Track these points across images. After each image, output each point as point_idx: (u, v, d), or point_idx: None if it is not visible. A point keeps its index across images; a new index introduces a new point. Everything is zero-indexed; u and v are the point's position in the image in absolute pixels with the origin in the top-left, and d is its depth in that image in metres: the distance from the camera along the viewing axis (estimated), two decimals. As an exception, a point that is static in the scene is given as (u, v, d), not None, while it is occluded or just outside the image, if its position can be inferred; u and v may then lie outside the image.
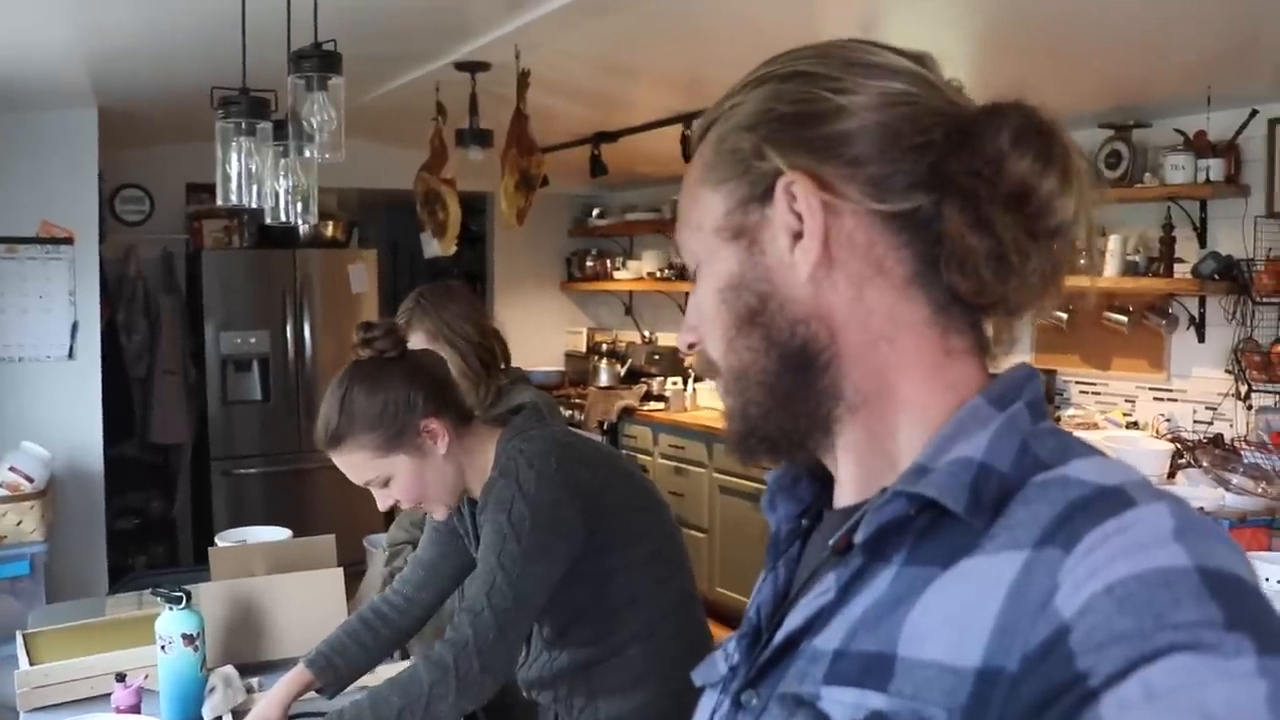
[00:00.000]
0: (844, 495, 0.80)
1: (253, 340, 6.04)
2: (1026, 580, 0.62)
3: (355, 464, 1.86)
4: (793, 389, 0.77)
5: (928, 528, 0.70)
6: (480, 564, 1.81)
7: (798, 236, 0.74)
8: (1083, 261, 0.76)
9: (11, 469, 4.07)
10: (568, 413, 6.19)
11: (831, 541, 0.76)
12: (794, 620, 0.74)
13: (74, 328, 4.73)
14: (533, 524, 1.78)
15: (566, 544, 1.83)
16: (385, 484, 1.87)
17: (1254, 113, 3.88)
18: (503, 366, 2.59)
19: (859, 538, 0.71)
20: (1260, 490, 3.44)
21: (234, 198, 2.50)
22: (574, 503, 1.83)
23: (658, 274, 6.70)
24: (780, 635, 0.75)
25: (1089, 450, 0.71)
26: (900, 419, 0.75)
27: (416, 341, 2.43)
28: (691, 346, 0.84)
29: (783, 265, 0.75)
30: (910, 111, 0.74)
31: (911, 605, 0.67)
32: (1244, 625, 0.56)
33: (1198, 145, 3.96)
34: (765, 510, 0.88)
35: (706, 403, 6.10)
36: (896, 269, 0.74)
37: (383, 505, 1.91)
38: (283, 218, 2.64)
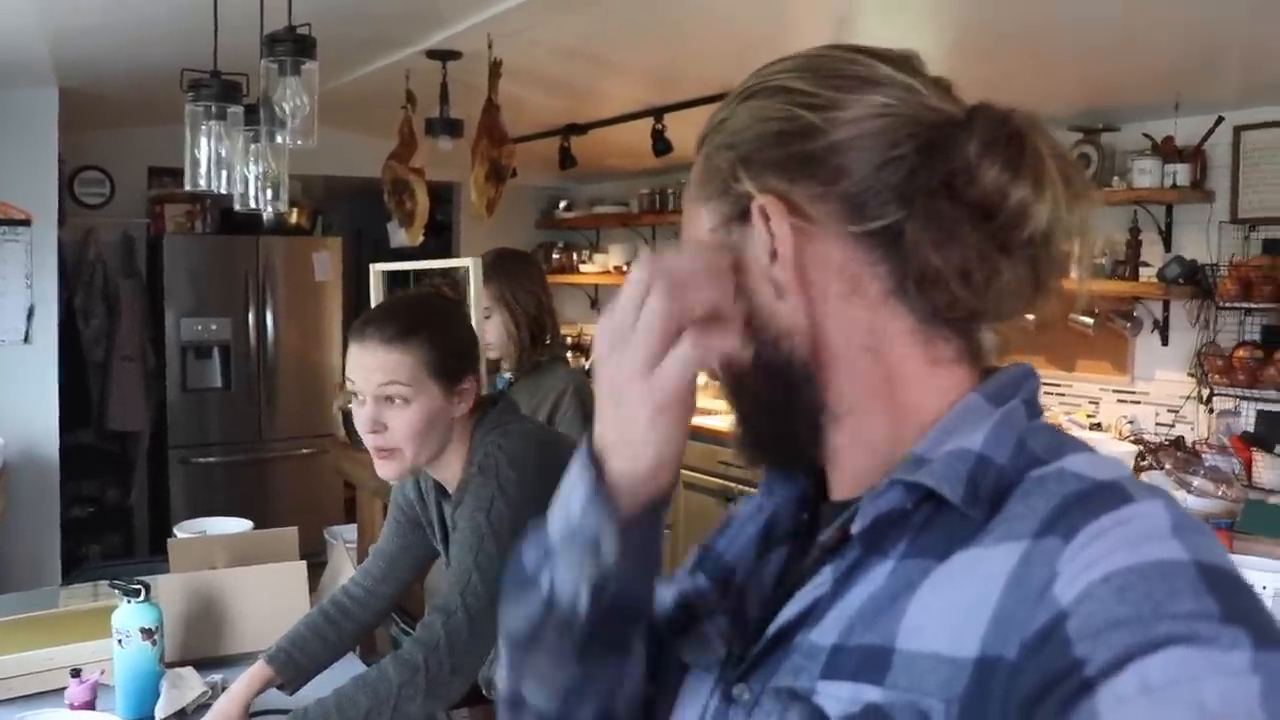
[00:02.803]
0: (838, 492, 0.80)
1: (214, 327, 5.96)
2: (1025, 570, 0.63)
3: (396, 365, 1.77)
4: (781, 402, 0.77)
5: (925, 522, 0.70)
6: (455, 562, 1.77)
7: (774, 255, 0.75)
8: (1073, 267, 0.75)
9: (-36, 455, 3.99)
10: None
11: (823, 538, 0.76)
12: (788, 613, 0.74)
13: (30, 311, 4.64)
14: (512, 524, 1.75)
15: None
16: (394, 402, 1.78)
17: (1220, 119, 3.91)
18: (547, 342, 2.85)
19: (855, 528, 0.71)
20: (1220, 493, 3.48)
21: (202, 183, 2.45)
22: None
23: (624, 267, 6.68)
24: (772, 628, 0.75)
25: (1082, 446, 0.72)
26: (890, 427, 0.75)
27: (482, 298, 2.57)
28: None
29: (763, 282, 0.76)
30: (886, 125, 0.73)
31: (909, 598, 0.67)
32: (1240, 619, 0.56)
33: (1165, 150, 3.99)
34: (763, 496, 0.88)
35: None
36: (873, 285, 0.74)
37: (364, 427, 1.80)
38: (252, 204, 2.60)
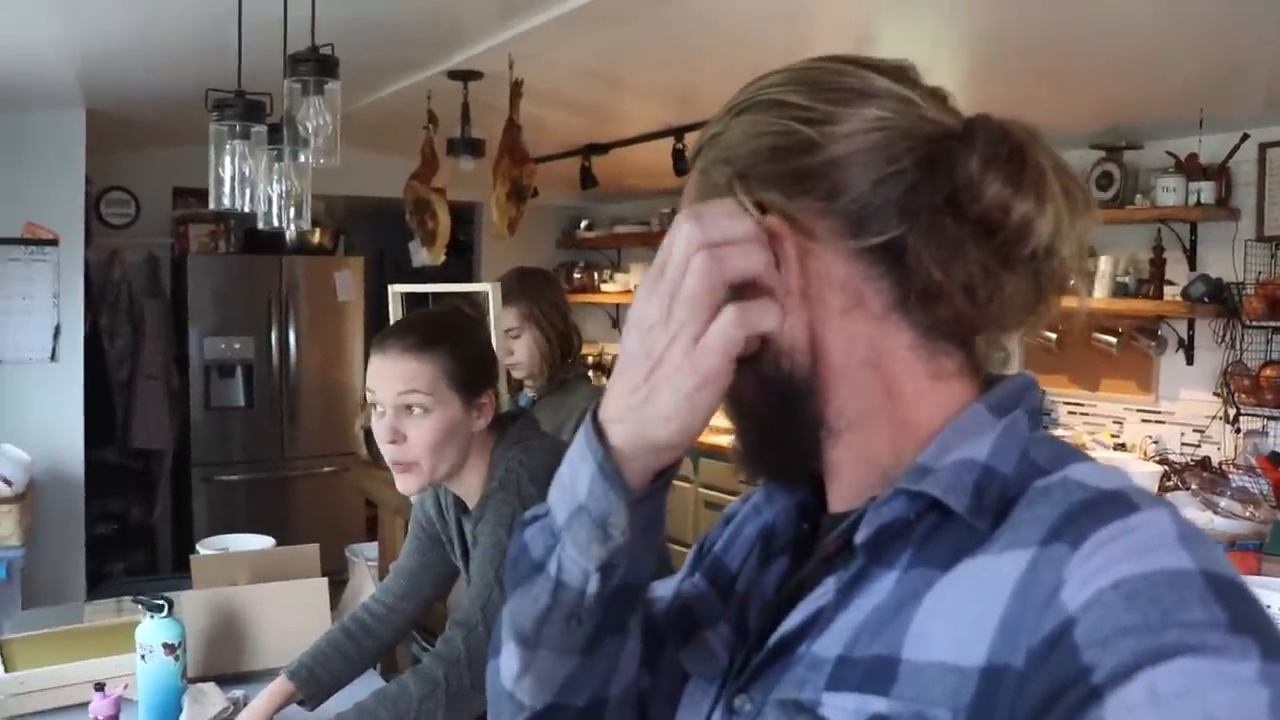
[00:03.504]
0: (837, 504, 0.79)
1: (237, 346, 6.00)
2: (1032, 577, 0.62)
3: (415, 374, 1.78)
4: (781, 419, 0.76)
5: (929, 533, 0.69)
6: (476, 578, 1.77)
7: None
8: (1072, 283, 0.74)
9: (-10, 472, 4.02)
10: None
11: (825, 544, 0.76)
12: (790, 623, 0.73)
13: (57, 330, 4.68)
14: None
15: None
16: (414, 412, 1.78)
17: (1245, 137, 3.90)
18: (571, 361, 2.87)
19: (860, 538, 0.70)
20: (1248, 514, 3.45)
21: (226, 201, 2.47)
22: None
23: (646, 287, 6.68)
24: (775, 638, 0.74)
25: (1084, 456, 0.72)
26: (891, 440, 0.75)
27: (507, 318, 2.69)
28: None
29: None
30: (883, 139, 0.73)
31: (915, 608, 0.67)
32: (1248, 629, 0.56)
33: (1189, 168, 3.97)
34: (762, 505, 0.87)
35: (693, 417, 6.07)
36: (875, 299, 0.73)
37: (383, 438, 1.79)
38: (275, 223, 2.61)
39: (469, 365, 1.83)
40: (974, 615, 0.63)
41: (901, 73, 0.76)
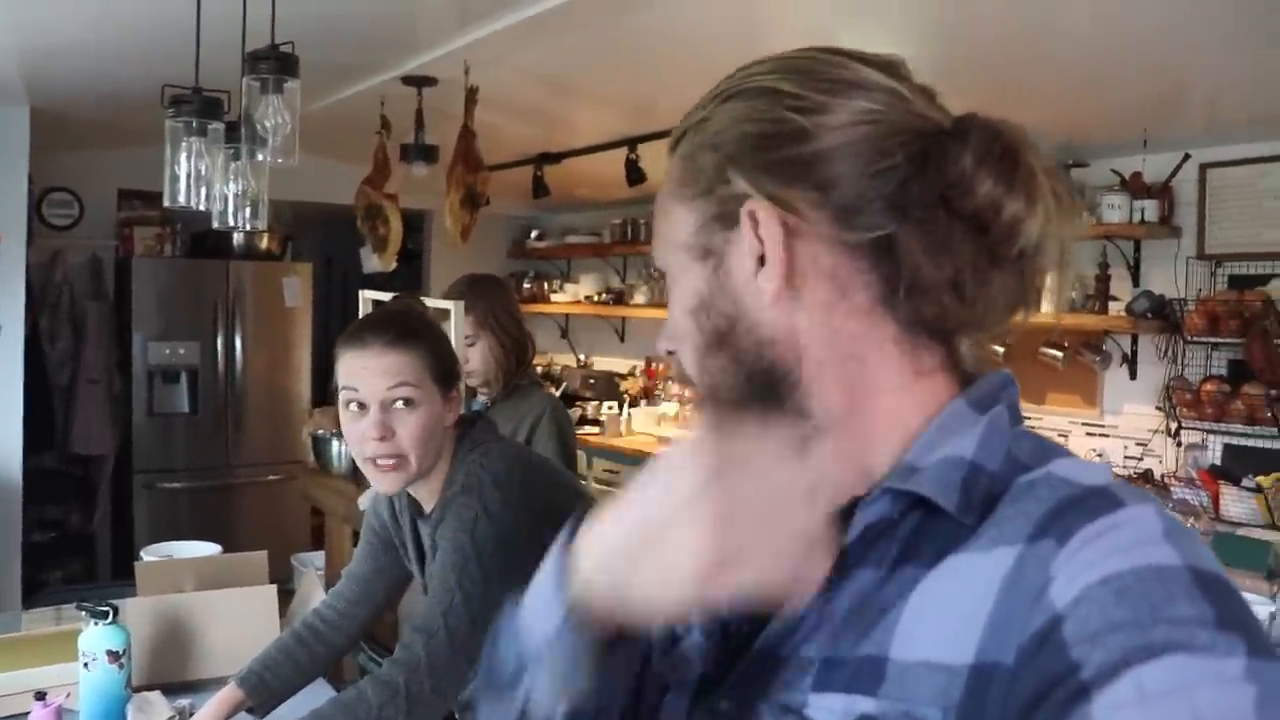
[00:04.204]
0: None
1: (182, 351, 5.89)
2: (1019, 574, 0.62)
3: (402, 367, 1.74)
4: (761, 410, 0.74)
5: (914, 530, 0.69)
6: (436, 583, 1.75)
7: (761, 261, 0.73)
8: (1049, 283, 0.75)
9: (-76, 477, 3.92)
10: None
11: None
12: (775, 626, 0.73)
13: (-4, 332, 4.58)
14: (495, 545, 1.73)
15: (525, 566, 1.79)
16: (401, 406, 1.74)
17: (1187, 156, 3.99)
18: (524, 366, 2.88)
19: (847, 538, 0.70)
20: (1189, 525, 3.50)
21: (181, 199, 2.43)
22: (536, 523, 1.79)
23: (595, 298, 6.69)
24: (760, 641, 0.73)
25: (1065, 452, 0.72)
26: (871, 436, 0.74)
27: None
28: (670, 353, 0.82)
29: (749, 288, 0.74)
30: (875, 132, 0.72)
31: (901, 607, 0.66)
32: (1235, 625, 0.56)
33: (1133, 186, 4.06)
34: None
35: (641, 427, 6.08)
36: (862, 293, 0.73)
37: (371, 434, 1.73)
38: (231, 222, 2.57)
39: (444, 358, 1.83)
40: (962, 613, 0.63)
41: (892, 67, 0.77)
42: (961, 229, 0.71)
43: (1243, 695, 0.53)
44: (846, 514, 0.72)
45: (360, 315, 2.55)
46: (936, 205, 0.71)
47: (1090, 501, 0.64)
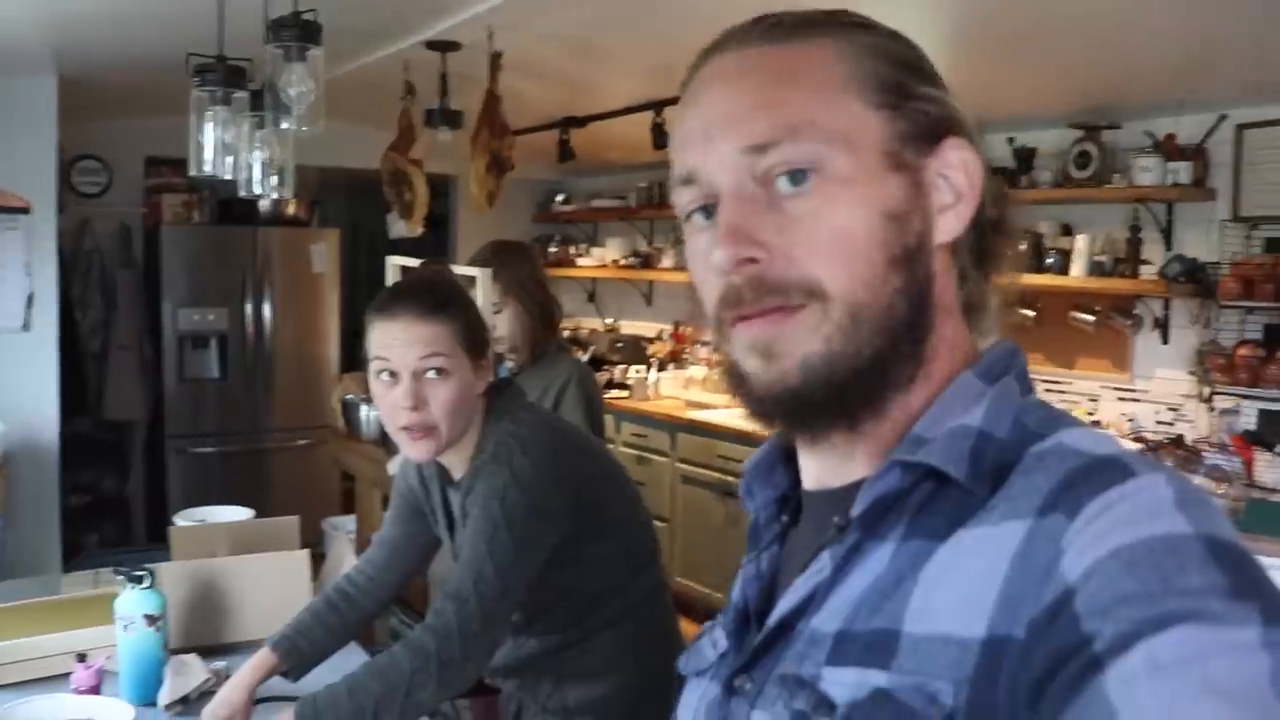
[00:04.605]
0: (822, 479, 0.78)
1: (211, 317, 5.94)
2: (1030, 548, 0.62)
3: (435, 337, 1.75)
4: (907, 345, 0.72)
5: (924, 502, 0.69)
6: (468, 549, 1.76)
7: (959, 196, 0.74)
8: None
9: (-38, 443, 3.97)
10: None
11: (837, 518, 0.74)
12: (788, 601, 0.73)
13: (30, 299, 4.62)
14: (526, 513, 1.74)
15: (555, 533, 1.80)
16: (434, 375, 1.75)
17: (1223, 117, 3.92)
18: (551, 332, 2.88)
19: (855, 511, 0.70)
20: (1221, 492, 3.49)
21: (207, 168, 2.44)
22: (565, 491, 1.80)
23: (622, 261, 6.68)
24: (774, 617, 0.74)
25: (1075, 421, 0.71)
26: (918, 397, 0.74)
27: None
28: (752, 262, 0.71)
29: (938, 218, 0.74)
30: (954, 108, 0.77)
31: (914, 581, 0.66)
32: (1249, 594, 0.55)
33: (1167, 148, 3.99)
34: (743, 497, 0.87)
35: (670, 391, 6.08)
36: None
37: (403, 403, 1.74)
38: (256, 190, 2.58)
39: (475, 327, 1.83)
40: (973, 587, 0.63)
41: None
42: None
43: (1258, 664, 0.52)
44: (856, 486, 0.72)
45: (387, 282, 2.57)
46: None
47: (1100, 472, 0.64)
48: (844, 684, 0.66)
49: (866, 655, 0.66)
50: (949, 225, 0.74)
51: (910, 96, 0.73)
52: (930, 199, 0.74)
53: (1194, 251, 4.01)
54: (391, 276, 2.58)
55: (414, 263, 2.67)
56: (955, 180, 0.74)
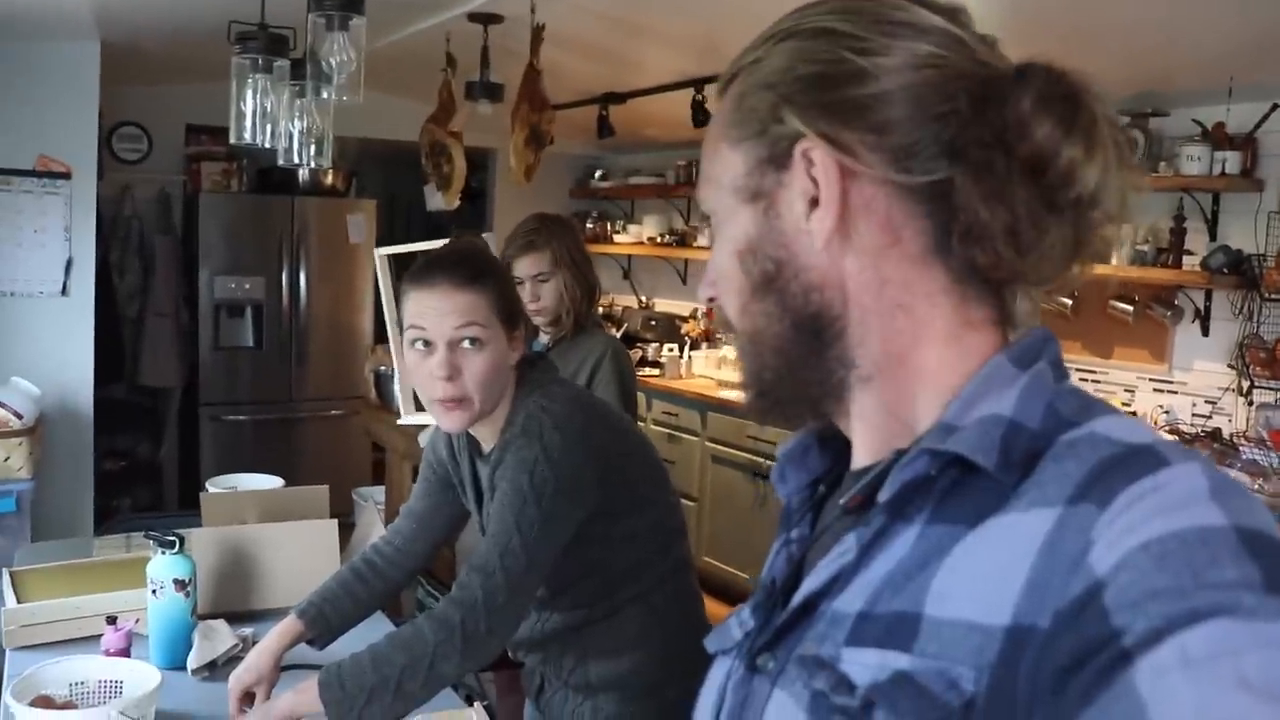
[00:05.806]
0: (858, 459, 0.78)
1: (247, 286, 5.98)
2: (1059, 537, 0.61)
3: (471, 306, 1.74)
4: (805, 356, 0.76)
5: (951, 487, 0.68)
6: (495, 522, 1.76)
7: (814, 203, 0.72)
8: (1108, 234, 0.73)
9: (0, 404, 4.02)
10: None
11: (843, 501, 0.74)
12: (812, 582, 0.73)
13: (68, 264, 4.66)
14: (555, 488, 1.73)
15: (583, 509, 1.80)
16: (469, 346, 1.74)
17: (1275, 106, 3.84)
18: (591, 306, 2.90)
19: (883, 496, 0.70)
20: (1257, 486, 3.44)
21: (247, 137, 2.44)
22: (594, 467, 1.79)
23: (658, 239, 6.65)
24: (798, 597, 0.73)
25: (1109, 409, 0.70)
26: (916, 387, 0.74)
27: (533, 263, 2.77)
28: (712, 300, 0.82)
29: (799, 231, 0.74)
30: (936, 75, 0.71)
31: (939, 565, 0.66)
32: None
33: (1216, 137, 3.92)
34: (776, 483, 0.87)
35: (702, 370, 6.07)
36: (914, 240, 0.72)
37: (439, 374, 1.73)
38: (295, 159, 2.58)
39: (510, 298, 1.82)
40: (999, 574, 0.62)
41: (954, 14, 0.75)
42: (1018, 170, 0.70)
43: None
44: (885, 470, 0.71)
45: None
46: (994, 149, 0.70)
47: (1132, 461, 0.62)
48: (865, 665, 0.65)
49: (888, 637, 0.65)
50: (818, 228, 0.73)
51: (775, 119, 0.74)
52: (793, 213, 0.74)
53: (1239, 243, 3.95)
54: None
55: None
56: (806, 187, 0.73)
